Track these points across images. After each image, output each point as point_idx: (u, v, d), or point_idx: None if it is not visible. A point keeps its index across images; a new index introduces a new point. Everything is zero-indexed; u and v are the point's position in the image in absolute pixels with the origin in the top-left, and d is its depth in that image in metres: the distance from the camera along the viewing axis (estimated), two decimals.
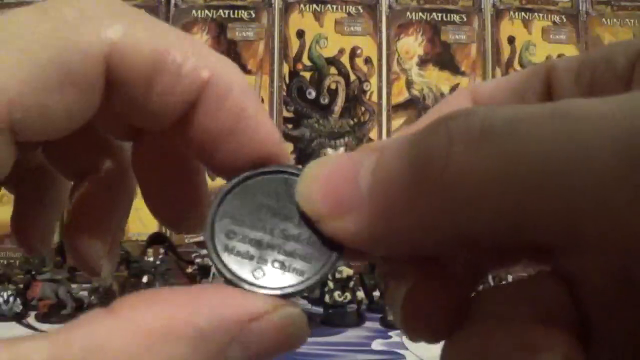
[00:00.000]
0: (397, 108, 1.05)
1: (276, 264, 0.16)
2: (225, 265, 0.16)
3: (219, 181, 0.18)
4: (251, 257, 0.16)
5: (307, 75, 1.04)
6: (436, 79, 1.06)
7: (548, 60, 0.18)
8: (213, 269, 0.83)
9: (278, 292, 0.16)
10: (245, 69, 1.02)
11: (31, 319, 0.80)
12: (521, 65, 1.08)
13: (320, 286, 0.75)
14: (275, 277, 0.16)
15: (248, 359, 0.14)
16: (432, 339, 0.16)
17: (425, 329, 0.16)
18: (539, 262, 0.17)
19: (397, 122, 1.05)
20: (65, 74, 0.14)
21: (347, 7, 1.05)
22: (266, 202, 0.17)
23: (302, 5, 1.05)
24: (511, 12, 1.08)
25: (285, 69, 1.04)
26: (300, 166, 0.17)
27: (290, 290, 0.16)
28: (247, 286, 0.15)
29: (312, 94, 1.04)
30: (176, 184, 0.19)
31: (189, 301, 0.13)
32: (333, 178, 0.15)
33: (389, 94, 1.05)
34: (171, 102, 0.16)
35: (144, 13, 0.16)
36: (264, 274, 0.16)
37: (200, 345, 0.13)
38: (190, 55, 0.16)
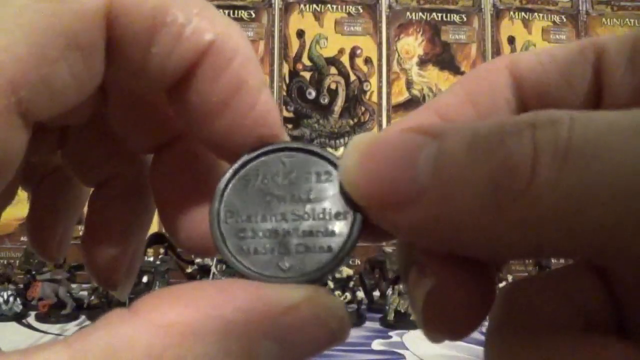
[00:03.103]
0: (397, 108, 1.05)
1: (300, 248, 0.15)
2: (248, 268, 0.15)
3: None
4: (272, 251, 0.15)
5: (307, 75, 1.05)
6: (436, 78, 1.07)
7: (596, 39, 0.17)
8: (214, 269, 0.83)
9: (312, 276, 0.14)
10: None
11: (31, 319, 0.80)
12: None
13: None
14: (303, 262, 0.14)
15: (286, 357, 0.13)
16: (454, 337, 0.15)
17: (448, 328, 0.15)
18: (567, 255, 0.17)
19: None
20: (67, 40, 0.14)
21: (347, 7, 1.06)
22: (266, 188, 0.15)
23: (302, 5, 1.05)
24: (511, 12, 1.08)
25: (285, 69, 1.04)
26: (295, 141, 0.16)
27: (325, 270, 0.14)
28: (277, 281, 0.14)
29: (312, 94, 1.04)
30: (193, 201, 0.18)
31: (213, 297, 0.12)
32: (386, 161, 0.13)
33: (389, 94, 1.05)
34: (169, 65, 0.15)
35: None
36: (290, 264, 0.15)
37: (228, 342, 0.12)
38: (194, 16, 0.15)
